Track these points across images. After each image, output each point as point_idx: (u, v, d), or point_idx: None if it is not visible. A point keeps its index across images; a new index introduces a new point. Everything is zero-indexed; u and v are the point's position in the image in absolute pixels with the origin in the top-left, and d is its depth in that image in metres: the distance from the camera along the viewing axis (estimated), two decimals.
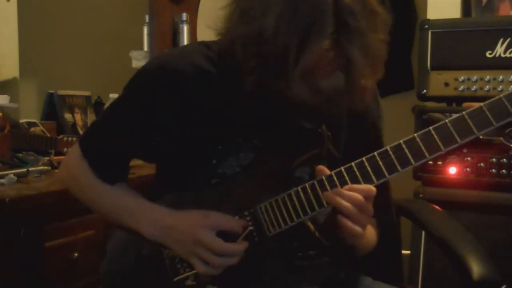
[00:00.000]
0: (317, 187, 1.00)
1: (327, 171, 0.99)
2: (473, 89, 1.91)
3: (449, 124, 0.95)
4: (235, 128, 1.07)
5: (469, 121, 0.95)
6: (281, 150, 1.06)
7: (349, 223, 0.97)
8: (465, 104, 1.97)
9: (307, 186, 1.00)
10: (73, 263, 1.52)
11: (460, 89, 1.93)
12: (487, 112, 0.94)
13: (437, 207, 1.49)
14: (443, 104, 2.01)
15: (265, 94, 0.98)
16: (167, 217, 1.05)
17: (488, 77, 1.89)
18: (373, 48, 0.93)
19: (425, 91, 1.98)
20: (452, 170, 1.87)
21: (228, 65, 1.03)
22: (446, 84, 1.95)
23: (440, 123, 0.96)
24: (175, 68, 1.06)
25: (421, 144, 0.96)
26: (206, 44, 1.11)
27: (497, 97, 0.95)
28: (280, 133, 1.07)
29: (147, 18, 2.49)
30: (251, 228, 1.03)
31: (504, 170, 1.82)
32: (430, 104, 2.03)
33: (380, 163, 0.97)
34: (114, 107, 1.15)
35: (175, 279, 1.05)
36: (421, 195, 1.90)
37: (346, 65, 0.93)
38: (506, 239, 1.81)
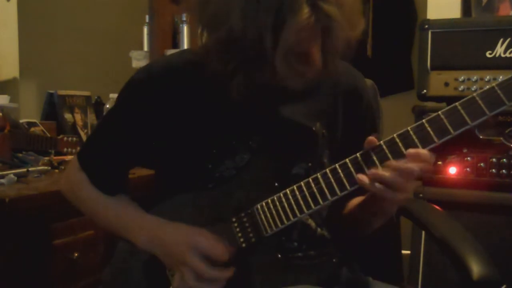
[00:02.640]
0: (312, 185, 0.99)
1: (376, 142, 0.97)
2: (473, 89, 1.90)
3: (442, 116, 0.94)
4: (229, 131, 1.07)
5: (462, 111, 0.93)
6: (277, 150, 1.06)
7: (393, 195, 0.94)
8: None
9: (303, 184, 1.00)
10: (73, 263, 1.52)
11: (460, 89, 1.92)
12: (480, 101, 0.93)
13: (437, 207, 1.49)
14: (443, 104, 2.01)
15: (256, 92, 0.97)
16: (157, 229, 1.06)
17: (488, 77, 1.89)
18: (347, 3, 0.92)
19: (425, 91, 1.98)
20: (452, 170, 1.87)
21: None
22: (446, 84, 1.95)
23: (433, 115, 0.95)
24: (165, 75, 1.08)
25: (414, 137, 0.95)
26: (194, 51, 1.12)
27: (490, 86, 0.93)
28: (275, 133, 1.07)
29: (147, 18, 2.49)
30: (244, 245, 1.03)
31: (504, 170, 1.81)
32: (430, 104, 2.03)
33: (374, 157, 0.96)
34: (108, 118, 1.17)
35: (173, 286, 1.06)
36: (421, 195, 1.90)
37: (326, 26, 0.91)
38: (506, 239, 1.81)
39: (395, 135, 0.96)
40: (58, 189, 1.47)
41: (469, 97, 0.94)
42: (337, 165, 0.98)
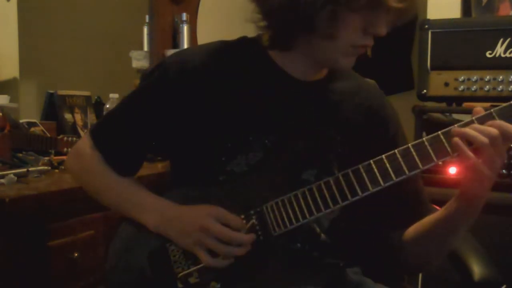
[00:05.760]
0: (324, 188, 1.00)
1: (483, 111, 0.96)
2: (473, 89, 1.90)
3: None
4: (248, 127, 1.08)
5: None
6: (290, 152, 1.06)
7: (479, 166, 0.92)
8: (465, 104, 1.97)
9: (314, 187, 1.00)
10: (73, 263, 1.52)
11: (460, 89, 1.92)
12: (496, 118, 0.93)
13: (437, 207, 1.49)
14: (443, 104, 2.01)
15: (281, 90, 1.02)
16: (172, 209, 1.06)
17: (488, 77, 1.89)
18: None
19: (425, 91, 1.98)
20: (452, 170, 1.87)
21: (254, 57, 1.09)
22: (446, 84, 1.95)
23: (450, 128, 0.95)
24: (195, 64, 1.08)
25: (429, 148, 0.95)
26: (227, 43, 1.13)
27: (507, 104, 0.94)
28: (290, 135, 1.07)
29: (147, 18, 2.49)
30: (255, 222, 1.03)
31: (504, 170, 1.81)
32: (430, 104, 2.03)
33: (388, 165, 0.96)
34: (131, 97, 1.16)
35: (179, 275, 1.05)
36: None
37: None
38: (506, 239, 1.81)
39: (410, 145, 0.97)
40: (58, 189, 1.48)
41: (486, 112, 0.94)
42: (349, 171, 0.99)
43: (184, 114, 1.09)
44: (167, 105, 1.09)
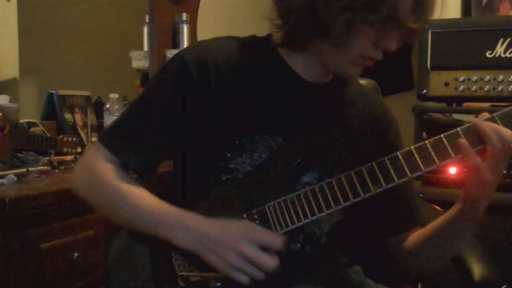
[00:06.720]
0: (326, 189, 1.00)
1: (488, 115, 0.97)
2: (473, 89, 1.91)
3: (460, 133, 0.96)
4: (254, 127, 1.08)
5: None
6: (294, 154, 1.06)
7: (483, 169, 0.95)
8: (465, 104, 1.97)
9: (316, 188, 1.01)
10: (73, 263, 1.52)
11: (460, 89, 1.92)
12: (499, 121, 0.95)
13: (437, 207, 1.49)
14: (443, 104, 2.01)
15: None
16: (203, 225, 1.00)
17: (488, 77, 1.89)
18: None
19: (425, 91, 1.98)
20: (452, 170, 1.87)
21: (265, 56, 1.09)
22: (446, 84, 1.95)
23: (452, 131, 0.95)
24: (209, 58, 1.08)
25: (431, 151, 0.96)
26: (239, 40, 1.13)
27: (509, 108, 0.95)
28: (296, 136, 1.08)
29: (147, 18, 2.49)
30: (258, 222, 1.02)
31: (504, 170, 1.81)
32: (430, 104, 2.04)
33: (390, 167, 0.97)
34: (146, 94, 1.13)
35: (180, 273, 1.05)
36: (421, 195, 1.90)
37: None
38: (506, 239, 1.81)
39: (412, 147, 0.97)
40: (58, 189, 1.48)
41: (488, 116, 0.95)
42: (352, 172, 0.99)
43: (194, 109, 1.08)
44: (181, 99, 1.08)
